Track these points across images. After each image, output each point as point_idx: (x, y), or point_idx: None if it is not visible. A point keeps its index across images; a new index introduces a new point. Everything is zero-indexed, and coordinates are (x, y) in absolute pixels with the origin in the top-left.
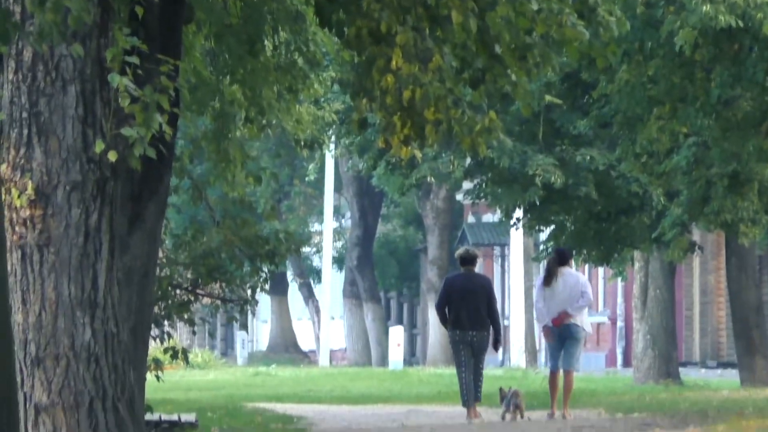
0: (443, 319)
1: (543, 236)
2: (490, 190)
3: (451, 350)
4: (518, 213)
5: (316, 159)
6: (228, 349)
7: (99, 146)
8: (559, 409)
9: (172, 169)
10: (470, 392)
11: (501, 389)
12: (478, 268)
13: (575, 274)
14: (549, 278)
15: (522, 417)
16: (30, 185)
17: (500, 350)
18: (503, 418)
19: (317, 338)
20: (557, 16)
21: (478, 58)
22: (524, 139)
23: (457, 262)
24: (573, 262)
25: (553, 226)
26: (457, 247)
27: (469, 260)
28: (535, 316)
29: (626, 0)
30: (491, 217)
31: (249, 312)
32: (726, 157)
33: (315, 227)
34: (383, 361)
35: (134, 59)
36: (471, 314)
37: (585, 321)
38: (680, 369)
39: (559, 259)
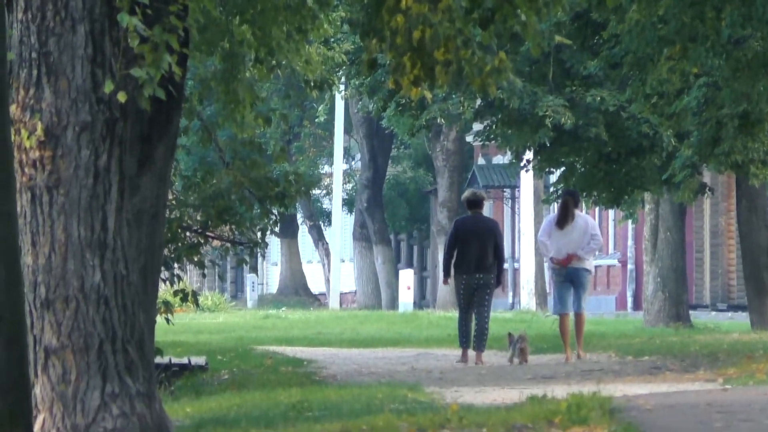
0: (447, 264)
1: (553, 178)
2: (500, 132)
3: (455, 292)
4: (528, 155)
5: (326, 100)
6: (238, 291)
7: (108, 87)
8: (573, 350)
9: (181, 110)
10: (468, 335)
11: (510, 334)
12: (488, 210)
13: (584, 217)
14: (564, 220)
15: (526, 362)
16: (39, 126)
17: (509, 292)
18: (510, 361)
19: (327, 281)
20: None
21: None
22: (534, 79)
23: (464, 205)
24: (582, 205)
25: (563, 168)
26: (466, 189)
27: (476, 203)
28: (540, 251)
29: None
30: (501, 159)
31: (259, 255)
32: (736, 97)
33: (325, 169)
34: (393, 304)
35: None
36: (479, 257)
37: (591, 263)
38: (690, 312)
39: (574, 201)
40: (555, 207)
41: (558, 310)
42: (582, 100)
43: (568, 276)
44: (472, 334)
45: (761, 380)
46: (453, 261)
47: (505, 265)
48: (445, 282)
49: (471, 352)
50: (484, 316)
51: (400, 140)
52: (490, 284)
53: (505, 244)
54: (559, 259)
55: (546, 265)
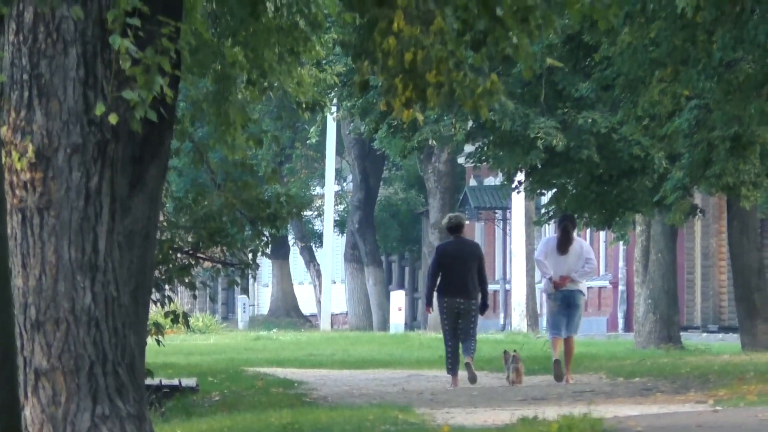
0: (430, 292)
1: (544, 200)
2: (492, 153)
3: (439, 318)
4: (520, 176)
5: (318, 122)
6: (229, 313)
7: (100, 109)
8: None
9: (173, 131)
10: (455, 361)
11: (505, 352)
12: (479, 232)
13: (579, 241)
14: (565, 245)
15: (520, 382)
16: (30, 148)
17: (500, 314)
18: (509, 381)
19: (318, 302)
20: None
21: (479, 20)
22: (526, 101)
23: (445, 231)
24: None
25: (554, 190)
26: (460, 211)
27: (457, 228)
28: (540, 270)
29: None
30: (493, 180)
31: (250, 276)
32: (728, 119)
33: (316, 190)
34: (384, 325)
35: (135, 21)
36: (461, 282)
37: (583, 286)
38: (681, 333)
39: (573, 225)
40: (547, 228)
41: (551, 333)
42: (574, 122)
43: (564, 299)
44: (459, 360)
45: (752, 402)
46: (436, 287)
47: (497, 287)
48: (427, 311)
49: (461, 374)
50: (470, 339)
51: (391, 162)
52: (472, 310)
53: (496, 265)
54: (556, 281)
55: (538, 286)
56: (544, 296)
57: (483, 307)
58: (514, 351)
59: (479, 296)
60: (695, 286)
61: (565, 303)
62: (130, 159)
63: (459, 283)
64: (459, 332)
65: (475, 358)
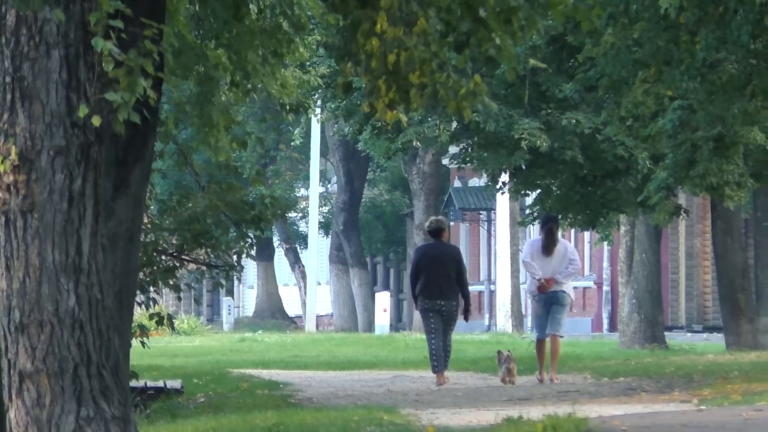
0: (414, 290)
1: (529, 201)
2: (476, 155)
3: (422, 318)
4: (504, 177)
5: (302, 123)
6: (214, 315)
7: (83, 111)
8: (547, 373)
9: (156, 133)
10: (440, 359)
11: (499, 352)
12: (464, 233)
13: (563, 242)
14: (550, 247)
15: (513, 383)
16: (13, 150)
17: (485, 314)
18: (503, 381)
19: (303, 304)
20: None
21: (462, 21)
22: (510, 103)
23: (427, 234)
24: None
25: (539, 191)
26: (444, 213)
27: (437, 231)
28: (528, 271)
29: None
30: (477, 181)
31: (235, 278)
32: (711, 120)
33: (301, 192)
34: (369, 326)
35: (118, 23)
36: (439, 284)
37: (570, 287)
38: (666, 333)
39: (557, 226)
40: (532, 229)
41: (537, 334)
42: (557, 123)
43: (548, 300)
44: (443, 357)
45: (736, 401)
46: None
47: (482, 288)
48: (417, 308)
49: (447, 374)
50: (447, 340)
51: (376, 163)
52: (452, 312)
53: (481, 266)
54: (542, 283)
55: (523, 287)
56: (529, 297)
57: (466, 313)
58: (508, 351)
59: (458, 299)
60: (679, 286)
61: (549, 304)
62: (114, 161)
63: (437, 285)
64: (440, 333)
65: (462, 358)
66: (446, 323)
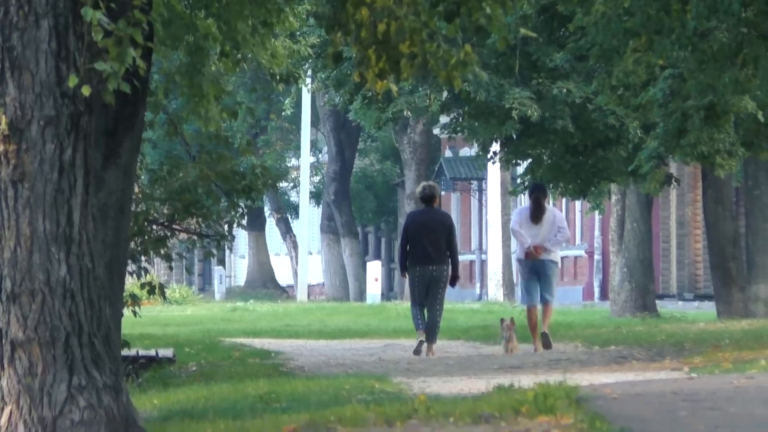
0: (402, 258)
1: (520, 170)
2: (467, 124)
3: (409, 285)
4: (495, 147)
5: (293, 93)
6: (205, 284)
7: (72, 81)
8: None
9: (146, 103)
10: (422, 318)
11: (502, 320)
12: (455, 202)
13: (552, 209)
14: (538, 215)
15: (512, 350)
16: (3, 120)
17: (476, 284)
18: (506, 350)
19: (295, 273)
20: None
21: None
22: (500, 72)
23: (418, 201)
24: (549, 197)
25: (530, 160)
26: (435, 182)
27: (429, 197)
28: (517, 240)
29: None
30: (468, 151)
31: (226, 247)
32: (702, 89)
33: (292, 162)
34: (361, 295)
35: None
36: (431, 249)
37: (557, 255)
38: (657, 301)
39: (544, 195)
40: (523, 198)
41: (526, 302)
42: (548, 93)
43: (535, 268)
44: (425, 319)
45: (727, 369)
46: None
47: (473, 257)
48: (403, 275)
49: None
50: (436, 309)
51: (367, 133)
52: (443, 278)
53: (472, 235)
54: (531, 250)
55: (513, 256)
56: (518, 265)
57: (453, 279)
58: (510, 318)
59: (448, 264)
60: (671, 254)
61: (537, 273)
62: (104, 131)
63: (426, 251)
64: (427, 300)
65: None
66: (435, 291)
